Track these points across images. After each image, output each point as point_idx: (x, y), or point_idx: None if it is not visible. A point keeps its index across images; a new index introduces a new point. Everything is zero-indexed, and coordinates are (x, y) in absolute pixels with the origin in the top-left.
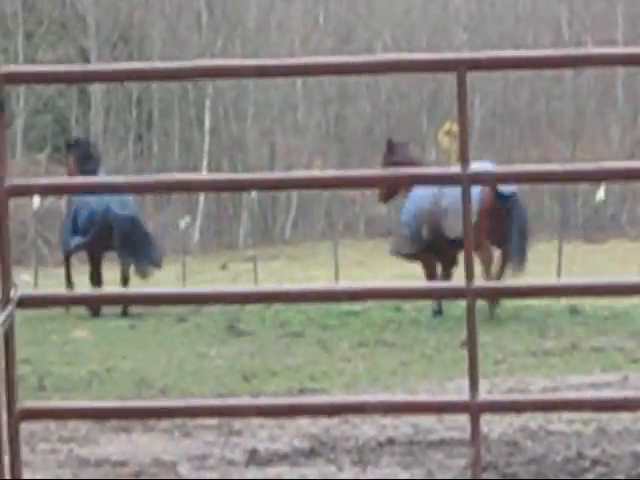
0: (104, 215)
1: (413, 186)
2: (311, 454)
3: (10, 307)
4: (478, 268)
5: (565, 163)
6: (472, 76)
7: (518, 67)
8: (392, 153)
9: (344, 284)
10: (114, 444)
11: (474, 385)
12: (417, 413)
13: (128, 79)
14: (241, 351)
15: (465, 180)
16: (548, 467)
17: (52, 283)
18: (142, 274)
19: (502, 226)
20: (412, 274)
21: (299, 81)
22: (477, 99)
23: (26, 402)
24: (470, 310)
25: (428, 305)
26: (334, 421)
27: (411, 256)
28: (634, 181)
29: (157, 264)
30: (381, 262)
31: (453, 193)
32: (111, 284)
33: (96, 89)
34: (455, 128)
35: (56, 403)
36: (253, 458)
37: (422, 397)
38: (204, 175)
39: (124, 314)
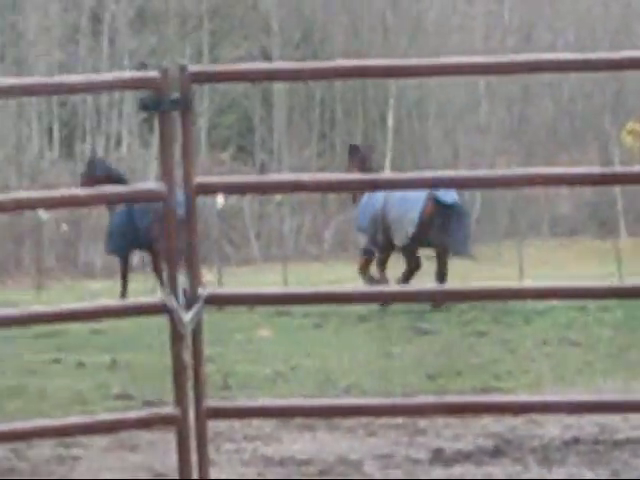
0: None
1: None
2: (495, 453)
3: (198, 305)
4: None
5: None
6: None
7: None
8: (354, 158)
9: (529, 283)
10: (298, 442)
11: None
12: (602, 412)
13: (312, 78)
14: (425, 350)
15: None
16: None
17: (235, 282)
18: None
19: (442, 235)
20: (597, 274)
21: (481, 80)
22: None
23: (211, 400)
24: None
25: (614, 305)
26: (518, 420)
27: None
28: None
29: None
30: (565, 261)
31: (395, 201)
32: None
33: (279, 88)
34: (638, 127)
35: (241, 402)
36: (438, 457)
37: (607, 396)
38: (387, 174)
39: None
